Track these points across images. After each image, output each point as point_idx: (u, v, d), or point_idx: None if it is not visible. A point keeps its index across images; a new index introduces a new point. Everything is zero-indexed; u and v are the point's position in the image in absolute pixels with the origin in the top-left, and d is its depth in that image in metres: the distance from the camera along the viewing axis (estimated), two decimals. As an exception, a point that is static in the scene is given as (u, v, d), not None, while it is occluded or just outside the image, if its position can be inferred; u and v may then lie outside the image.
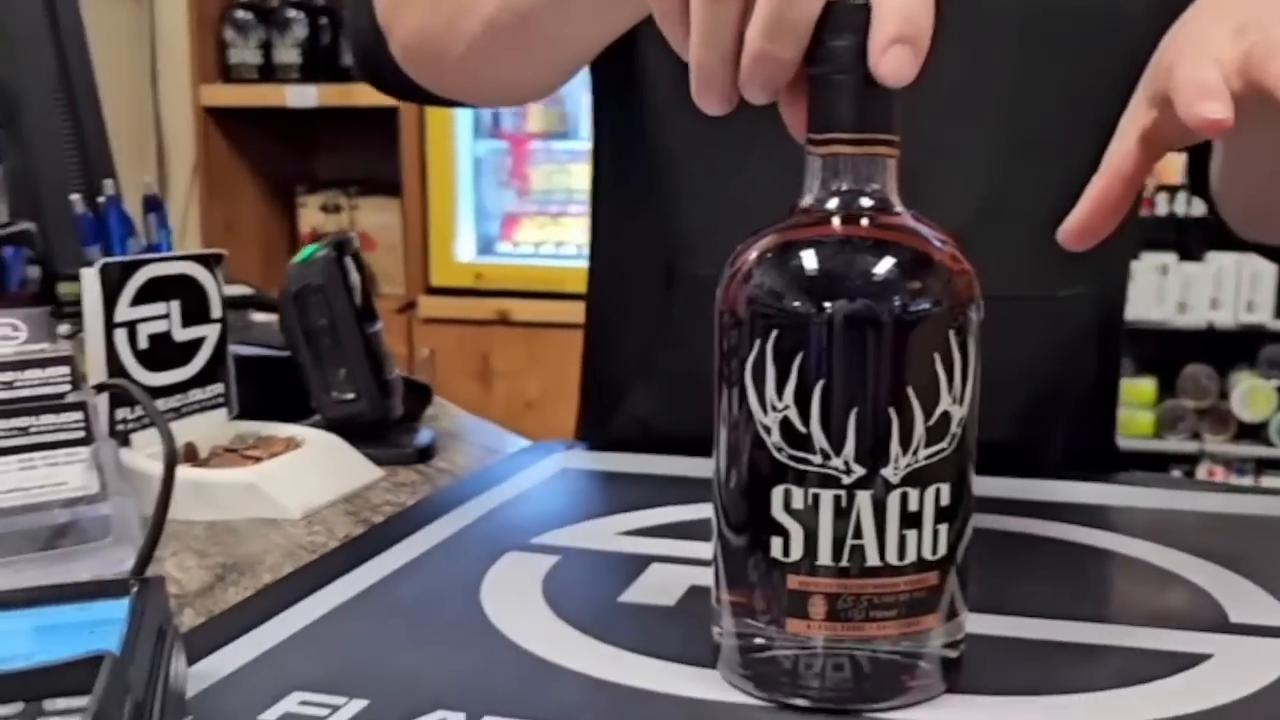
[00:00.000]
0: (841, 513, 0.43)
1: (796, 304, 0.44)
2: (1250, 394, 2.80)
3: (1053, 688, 0.48)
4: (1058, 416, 0.73)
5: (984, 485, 0.72)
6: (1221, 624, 0.54)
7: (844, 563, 0.44)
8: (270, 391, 0.87)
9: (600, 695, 0.47)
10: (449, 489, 0.75)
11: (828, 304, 0.43)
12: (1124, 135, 0.56)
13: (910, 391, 0.43)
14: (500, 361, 2.77)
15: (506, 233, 2.94)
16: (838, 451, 0.43)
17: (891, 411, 0.43)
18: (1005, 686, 0.48)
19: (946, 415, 0.44)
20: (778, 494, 0.44)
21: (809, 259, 0.45)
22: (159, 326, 0.77)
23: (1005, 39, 0.78)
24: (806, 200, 0.46)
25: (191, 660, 0.48)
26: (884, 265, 0.44)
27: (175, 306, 0.78)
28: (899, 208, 0.46)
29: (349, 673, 0.49)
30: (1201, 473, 2.84)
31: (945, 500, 0.44)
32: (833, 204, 0.45)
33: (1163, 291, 2.79)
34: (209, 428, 0.80)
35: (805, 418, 0.43)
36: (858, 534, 0.44)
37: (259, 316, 1.19)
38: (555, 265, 2.74)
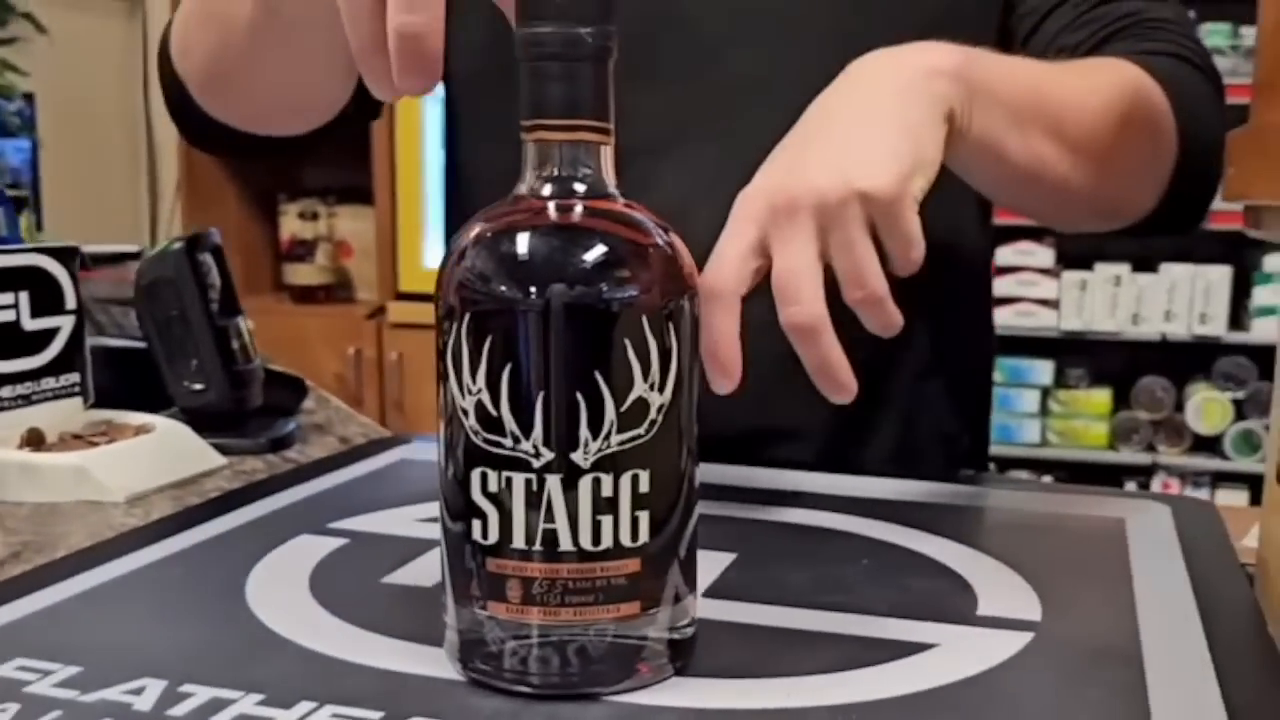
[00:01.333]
0: (533, 496, 0.42)
1: (490, 288, 0.42)
2: (1205, 406, 2.77)
3: (776, 671, 0.46)
4: (878, 407, 0.72)
5: (772, 478, 0.73)
6: (966, 616, 0.52)
7: (536, 546, 0.42)
8: (135, 381, 0.86)
9: (310, 666, 0.46)
10: (269, 479, 0.74)
11: (516, 289, 0.42)
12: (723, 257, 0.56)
13: (598, 377, 0.42)
14: (467, 366, 2.75)
15: (477, 241, 2.93)
16: (527, 435, 0.42)
17: (579, 396, 0.42)
18: (733, 670, 0.46)
19: (642, 402, 0.42)
20: (475, 476, 0.43)
21: (505, 244, 0.43)
22: (6, 316, 0.76)
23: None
24: (521, 187, 0.45)
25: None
26: (581, 253, 0.43)
27: (24, 297, 0.77)
28: (612, 191, 0.44)
29: (79, 643, 0.48)
30: (1156, 485, 2.80)
31: (644, 487, 0.43)
32: (546, 190, 0.44)
33: (1117, 303, 2.77)
34: (61, 415, 0.79)
35: (496, 401, 0.42)
36: (549, 518, 0.42)
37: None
38: (521, 273, 2.73)
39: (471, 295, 0.43)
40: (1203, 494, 2.74)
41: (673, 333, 0.43)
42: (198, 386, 0.82)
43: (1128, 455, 2.82)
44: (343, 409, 1.00)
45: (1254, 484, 2.72)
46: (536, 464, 0.42)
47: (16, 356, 0.77)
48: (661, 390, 0.43)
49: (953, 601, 0.54)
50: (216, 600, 0.53)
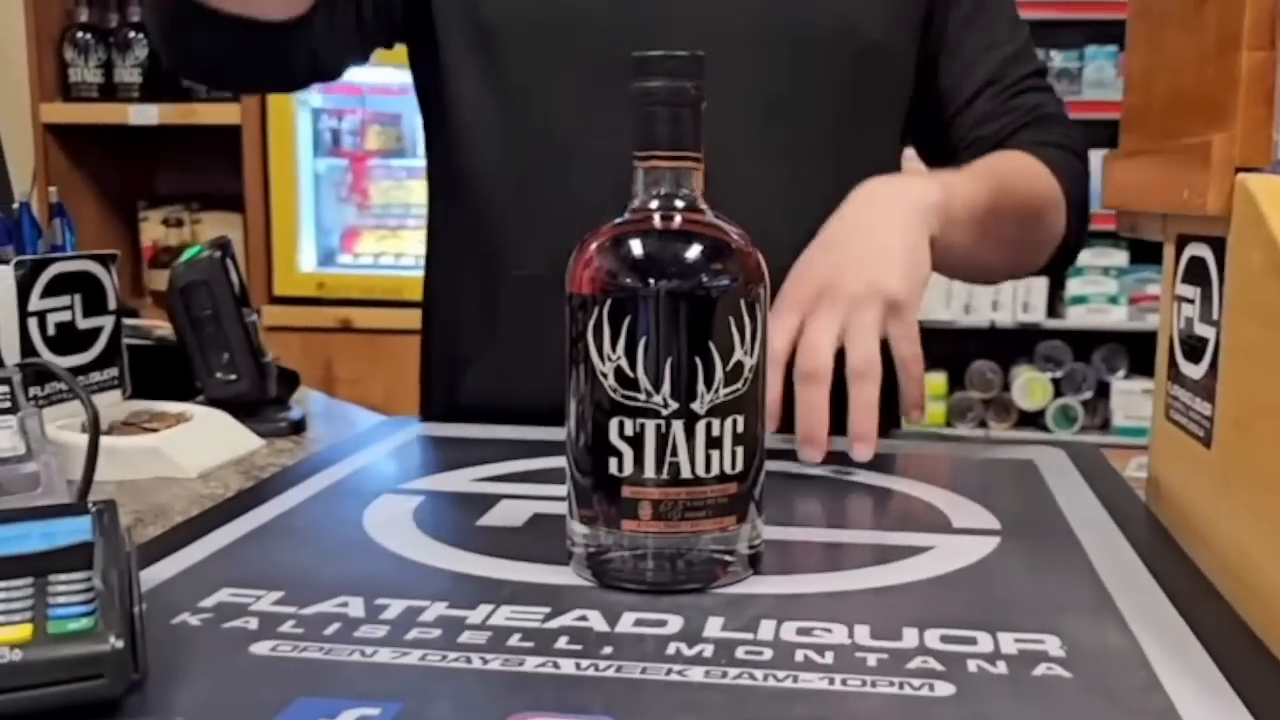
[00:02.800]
0: (661, 437, 0.55)
1: (626, 280, 0.55)
2: (1029, 385, 3.07)
3: (825, 568, 0.61)
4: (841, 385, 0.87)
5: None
6: (945, 527, 0.68)
7: (664, 475, 0.56)
8: (158, 376, 0.95)
9: (466, 584, 0.58)
10: (323, 451, 0.84)
11: (648, 281, 0.55)
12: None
13: (711, 346, 0.55)
14: (343, 368, 2.82)
15: (347, 245, 2.99)
16: (657, 390, 0.55)
17: (697, 360, 0.55)
18: (793, 569, 0.60)
19: (740, 364, 0.56)
20: (613, 424, 0.56)
21: (635, 246, 0.57)
22: (64, 316, 0.84)
23: (759, 58, 0.93)
24: (634, 203, 0.58)
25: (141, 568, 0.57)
26: (691, 251, 0.56)
27: (78, 299, 0.85)
28: (703, 206, 0.58)
29: (265, 575, 0.58)
30: (982, 461, 3.08)
31: (741, 428, 0.57)
32: (654, 205, 0.57)
33: (950, 294, 3.03)
34: (106, 405, 0.87)
35: (633, 365, 0.55)
36: (674, 453, 0.55)
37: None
38: (394, 275, 2.82)
39: (606, 286, 0.55)
40: (1027, 466, 3.03)
41: (758, 311, 0.57)
42: (231, 377, 0.91)
43: (963, 431, 3.09)
44: (326, 399, 1.10)
45: (1071, 455, 3.03)
46: (665, 412, 0.55)
47: (73, 353, 0.85)
48: (752, 354, 0.57)
49: (930, 518, 0.70)
50: (353, 543, 0.64)
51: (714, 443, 0.56)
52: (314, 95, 2.86)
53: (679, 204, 0.57)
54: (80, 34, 2.89)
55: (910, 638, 0.51)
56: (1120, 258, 2.97)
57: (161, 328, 1.06)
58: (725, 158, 0.92)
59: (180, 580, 0.58)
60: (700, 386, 0.55)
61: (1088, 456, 0.86)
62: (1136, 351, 3.07)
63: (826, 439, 0.76)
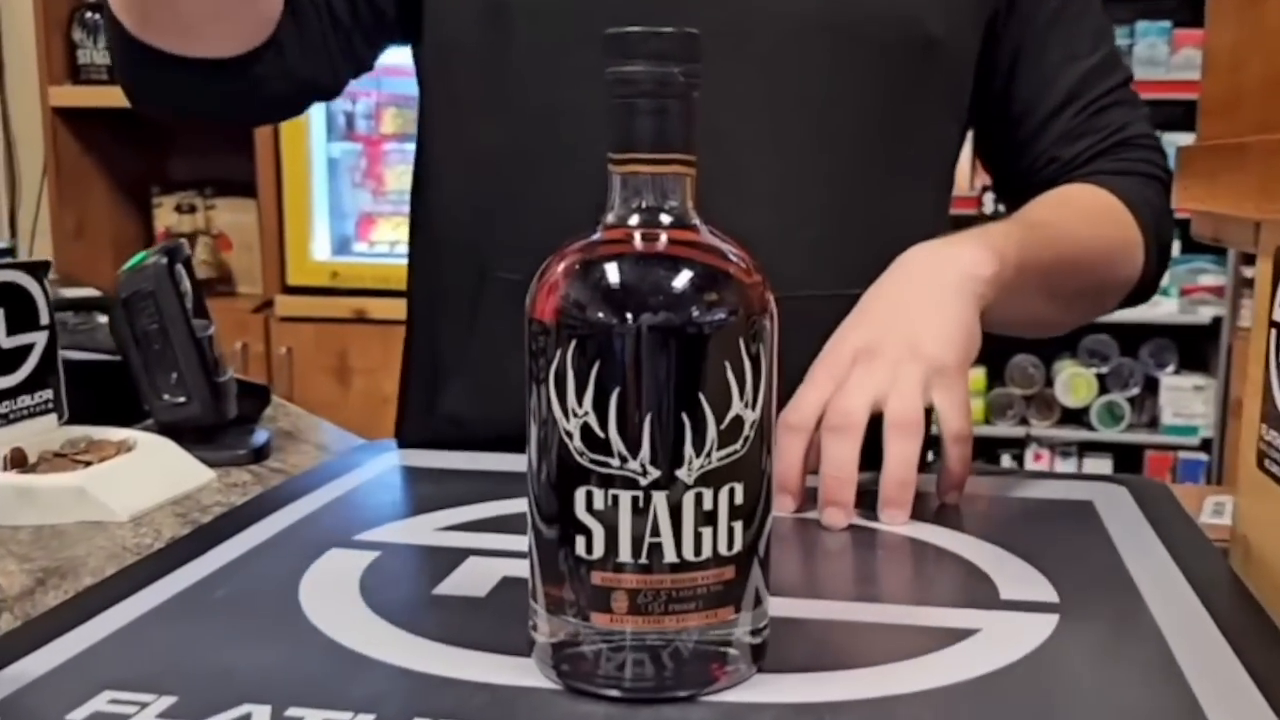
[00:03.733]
0: (639, 512, 0.44)
1: (596, 315, 0.44)
2: (1072, 381, 2.92)
3: (848, 664, 0.49)
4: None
5: None
6: (992, 601, 0.56)
7: (643, 560, 0.44)
8: (105, 395, 0.85)
9: (407, 683, 0.47)
10: (278, 488, 0.74)
11: (622, 316, 0.44)
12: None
13: (702, 398, 0.44)
14: (357, 358, 2.72)
15: (362, 232, 2.90)
16: (634, 455, 0.44)
17: (684, 417, 0.44)
18: (807, 664, 0.49)
19: (739, 419, 0.45)
20: (580, 495, 0.45)
21: (609, 273, 0.45)
22: (-16, 333, 0.74)
23: (810, 49, 0.82)
24: (609, 217, 0.46)
25: (3, 665, 0.47)
26: (678, 280, 0.45)
27: (1, 314, 0.75)
28: (695, 222, 0.47)
29: (160, 671, 0.48)
30: (1029, 455, 2.95)
31: (740, 499, 0.45)
32: (633, 220, 0.46)
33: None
34: (39, 433, 0.77)
35: (604, 423, 0.44)
36: (655, 532, 0.44)
37: (105, 319, 1.15)
38: (411, 264, 2.72)
39: (572, 322, 0.44)
40: (1070, 464, 2.90)
41: (761, 350, 0.46)
42: (180, 399, 0.81)
43: (1003, 429, 2.95)
44: (305, 415, 0.99)
45: (1117, 452, 2.89)
46: (643, 481, 0.44)
47: (-3, 375, 0.75)
48: (754, 407, 0.45)
49: (974, 587, 0.58)
50: (280, 619, 0.54)
51: (706, 518, 0.45)
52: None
53: (664, 219, 0.46)
54: (89, 15, 2.79)
55: (952, 780, 0.40)
56: (1173, 246, 2.82)
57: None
58: (756, 153, 0.83)
59: (56, 678, 0.47)
60: (688, 449, 0.44)
61: (1155, 498, 0.74)
62: (1187, 346, 2.91)
63: (853, 500, 0.66)
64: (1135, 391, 2.90)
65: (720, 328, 0.45)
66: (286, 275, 2.76)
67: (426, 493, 0.73)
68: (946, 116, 0.91)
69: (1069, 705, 0.46)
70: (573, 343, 0.44)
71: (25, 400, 0.77)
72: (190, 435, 0.82)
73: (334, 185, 2.85)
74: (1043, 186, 0.92)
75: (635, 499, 0.44)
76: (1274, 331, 0.58)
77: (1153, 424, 2.88)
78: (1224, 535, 0.67)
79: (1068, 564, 0.62)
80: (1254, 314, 0.61)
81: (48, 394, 0.79)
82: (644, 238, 0.46)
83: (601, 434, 0.44)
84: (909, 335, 0.71)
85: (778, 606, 0.53)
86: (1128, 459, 2.89)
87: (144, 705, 0.45)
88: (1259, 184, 0.56)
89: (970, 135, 0.97)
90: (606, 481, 0.44)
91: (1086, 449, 2.90)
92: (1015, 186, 0.97)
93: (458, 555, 0.62)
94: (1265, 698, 0.46)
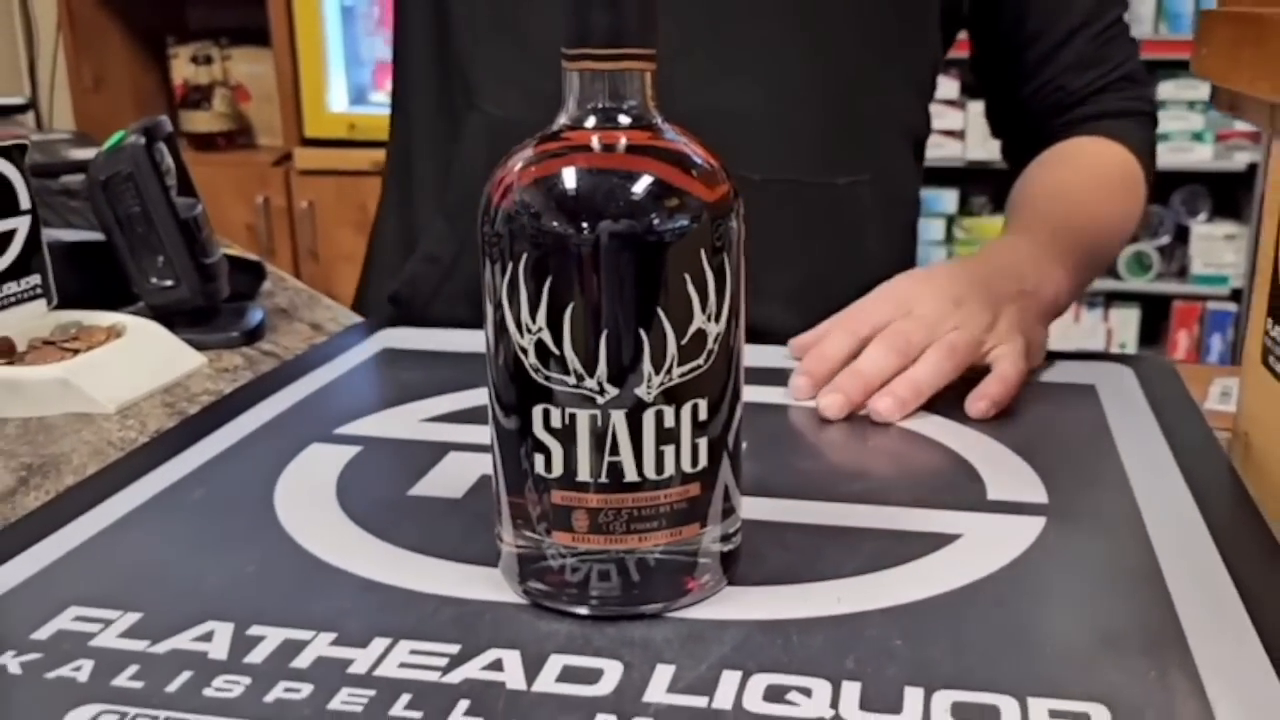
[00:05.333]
0: (597, 431, 0.42)
1: (550, 225, 0.41)
2: (1094, 231, 2.85)
3: (820, 574, 0.48)
4: (839, 301, 0.74)
5: (764, 356, 0.74)
6: (978, 503, 0.55)
7: (603, 479, 0.43)
8: (96, 276, 0.83)
9: (372, 598, 0.46)
10: (261, 379, 0.72)
11: (579, 225, 0.41)
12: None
13: (661, 312, 0.41)
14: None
15: (379, 81, 2.83)
16: (591, 373, 0.42)
17: (642, 333, 0.41)
18: (779, 575, 0.48)
19: (701, 333, 0.42)
20: (537, 413, 0.43)
21: (563, 179, 0.42)
22: (-39, 220, 0.72)
23: None
24: (564, 117, 0.43)
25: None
26: (637, 185, 0.42)
27: (-22, 199, 0.73)
28: (656, 120, 0.43)
29: (127, 585, 0.47)
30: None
31: (704, 415, 0.43)
32: (590, 122, 0.43)
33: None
34: (27, 320, 0.76)
35: (558, 340, 0.42)
36: (615, 451, 0.42)
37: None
38: (429, 115, 2.67)
39: (526, 233, 0.42)
40: (1097, 313, 2.85)
41: (725, 259, 0.43)
42: (167, 283, 0.79)
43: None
44: (303, 290, 0.98)
45: (1144, 302, 2.83)
46: (601, 400, 0.42)
47: (-22, 263, 0.73)
48: (717, 319, 0.43)
49: (962, 485, 0.57)
50: (252, 525, 0.53)
51: (667, 436, 0.43)
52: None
53: (623, 119, 0.43)
54: None
55: (912, 708, 0.39)
56: (1206, 90, 2.71)
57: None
58: (749, 30, 0.81)
59: (23, 593, 0.47)
60: (646, 365, 0.42)
61: (1161, 381, 0.72)
62: (1220, 193, 2.82)
63: (859, 400, 0.66)
64: (1166, 240, 2.82)
65: (680, 235, 0.42)
66: (304, 128, 2.71)
67: (414, 379, 0.72)
68: (937, 26, 0.89)
69: (1043, 629, 0.45)
70: (524, 254, 0.41)
71: (11, 287, 0.75)
72: (181, 318, 0.80)
73: (348, 33, 2.77)
74: (1044, 116, 0.93)
75: (593, 417, 0.42)
76: (1285, 220, 0.54)
77: (1182, 273, 2.81)
78: (1228, 424, 0.65)
79: (1062, 459, 0.60)
80: (1264, 204, 0.57)
81: (34, 279, 0.77)
82: (601, 142, 0.43)
83: (557, 351, 0.42)
84: (1001, 300, 0.71)
85: (756, 508, 0.51)
86: (1156, 309, 2.84)
87: (108, 623, 0.44)
88: (1275, 63, 0.52)
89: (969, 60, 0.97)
90: (563, 400, 0.42)
91: (1113, 299, 2.84)
92: (1014, 115, 0.97)
93: (438, 450, 0.61)
94: (1249, 614, 0.45)
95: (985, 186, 2.88)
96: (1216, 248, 2.74)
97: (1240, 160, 2.68)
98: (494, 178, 0.44)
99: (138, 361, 0.73)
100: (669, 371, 0.42)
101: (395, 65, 0.94)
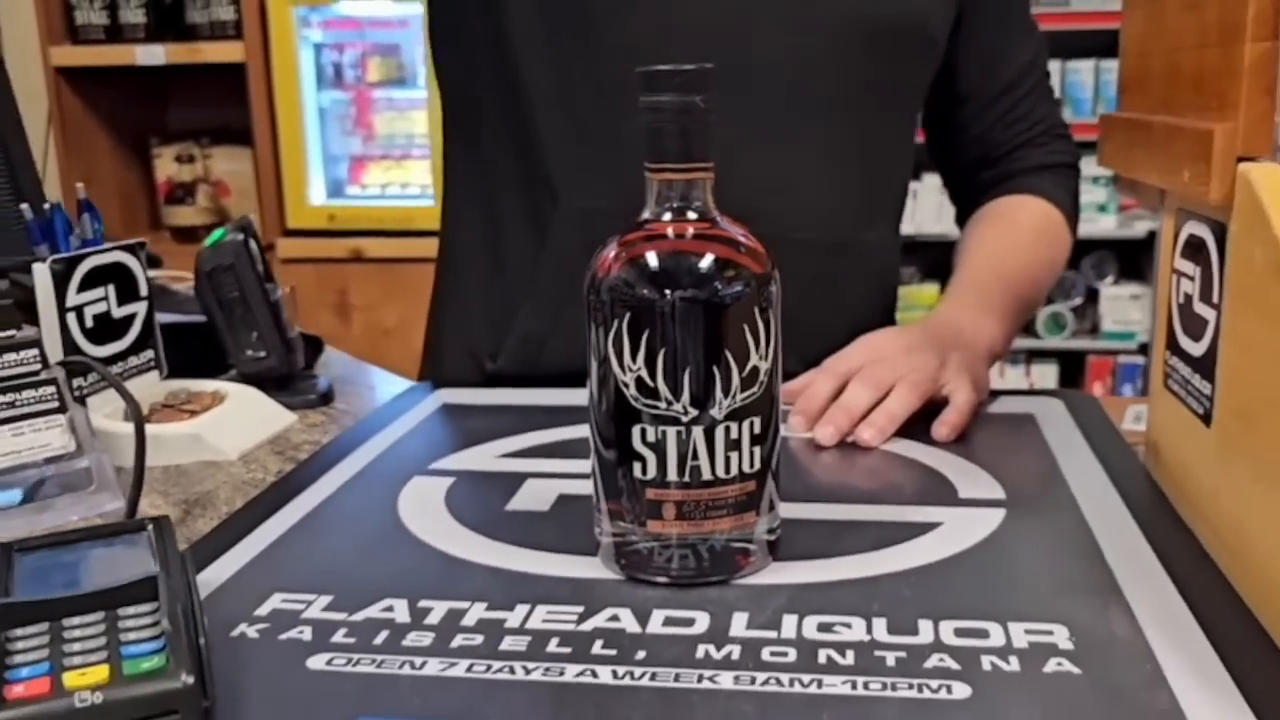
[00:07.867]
0: (682, 442, 0.56)
1: (643, 293, 0.55)
2: (1013, 296, 3.05)
3: (841, 551, 0.62)
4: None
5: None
6: (953, 499, 0.69)
7: (686, 478, 0.56)
8: (193, 352, 0.95)
9: (504, 579, 0.59)
10: (354, 428, 0.85)
11: (664, 293, 0.55)
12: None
13: (727, 353, 0.55)
14: (357, 295, 2.82)
15: (355, 176, 2.97)
16: (677, 399, 0.55)
17: (714, 369, 0.55)
18: (811, 553, 0.61)
19: (756, 368, 0.56)
20: (636, 431, 0.56)
21: (650, 259, 0.57)
22: (100, 307, 0.84)
23: (828, 41, 0.92)
24: (647, 213, 0.58)
25: (200, 569, 0.58)
26: (704, 263, 0.56)
27: (111, 289, 0.85)
28: (715, 215, 0.58)
29: (314, 576, 0.60)
30: (976, 364, 3.08)
31: (758, 429, 0.57)
32: (666, 216, 0.57)
33: (942, 208, 3.01)
34: (146, 388, 0.88)
35: (653, 375, 0.55)
36: (695, 456, 0.56)
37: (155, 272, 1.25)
38: (402, 205, 2.81)
39: (623, 298, 0.56)
40: (1019, 370, 3.04)
41: (770, 313, 0.57)
42: (260, 354, 0.92)
43: (955, 340, 3.08)
44: (352, 361, 1.10)
45: (1061, 358, 3.04)
46: (684, 419, 0.56)
47: (110, 341, 0.85)
48: (767, 358, 0.57)
49: (937, 489, 0.71)
50: (390, 534, 0.65)
51: (732, 445, 0.57)
52: (314, 30, 2.81)
53: (691, 215, 0.57)
54: (83, -25, 2.83)
55: (926, 631, 0.52)
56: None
57: (185, 278, 1.04)
58: (763, 116, 0.92)
59: (234, 585, 0.59)
60: (718, 393, 0.56)
61: (1085, 409, 0.87)
62: (1125, 257, 3.05)
63: (847, 429, 0.80)
64: (1078, 301, 3.04)
65: (738, 299, 0.56)
66: (286, 219, 2.83)
67: (477, 426, 0.85)
68: (916, 97, 1.03)
69: (1014, 580, 0.59)
70: (626, 314, 0.55)
71: (134, 360, 0.87)
72: (269, 384, 0.93)
73: (325, 132, 2.91)
74: (975, 168, 1.07)
75: (679, 432, 0.56)
76: (1175, 277, 0.69)
77: (1094, 331, 3.03)
78: (1141, 439, 0.80)
79: (1013, 467, 0.75)
80: (1159, 264, 0.72)
81: (149, 354, 0.89)
82: (675, 231, 0.57)
83: (651, 384, 0.55)
84: (947, 348, 0.86)
85: (787, 510, 0.65)
86: (1071, 364, 3.04)
87: (309, 603, 0.57)
88: (1160, 159, 0.68)
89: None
90: (656, 420, 0.56)
91: (1034, 356, 3.04)
92: (950, 167, 1.11)
93: (517, 479, 0.74)
94: (1166, 570, 0.59)
95: (912, 258, 3.07)
96: (1124, 307, 2.95)
97: (1140, 228, 2.91)
98: (595, 259, 0.57)
99: (248, 419, 0.86)
100: (733, 397, 0.56)
101: (455, 169, 1.02)
